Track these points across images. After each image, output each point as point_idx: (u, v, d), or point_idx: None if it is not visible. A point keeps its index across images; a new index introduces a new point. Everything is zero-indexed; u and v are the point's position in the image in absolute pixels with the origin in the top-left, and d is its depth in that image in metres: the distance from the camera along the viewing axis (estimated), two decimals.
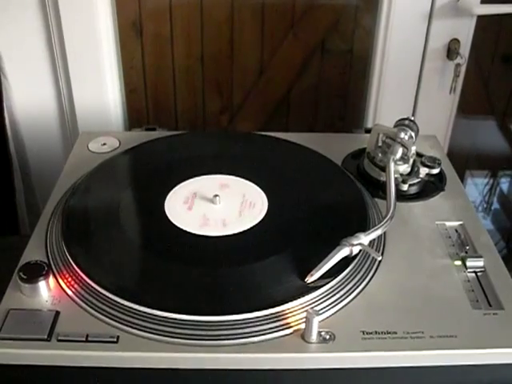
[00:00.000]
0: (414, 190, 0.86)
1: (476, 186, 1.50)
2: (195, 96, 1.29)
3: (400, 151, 0.85)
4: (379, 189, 0.86)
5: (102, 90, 1.19)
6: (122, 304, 0.66)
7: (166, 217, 0.79)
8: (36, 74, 1.18)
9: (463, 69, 1.17)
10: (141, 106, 1.30)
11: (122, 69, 1.23)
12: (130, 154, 0.93)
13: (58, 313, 0.66)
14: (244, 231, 0.77)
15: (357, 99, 1.29)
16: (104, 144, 0.97)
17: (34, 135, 1.25)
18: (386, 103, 1.22)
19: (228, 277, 0.70)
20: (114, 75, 1.20)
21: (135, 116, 1.30)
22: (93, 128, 1.17)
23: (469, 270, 0.74)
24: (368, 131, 0.97)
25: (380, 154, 0.88)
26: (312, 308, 0.65)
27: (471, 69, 1.20)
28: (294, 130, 1.33)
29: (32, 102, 1.21)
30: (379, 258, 0.72)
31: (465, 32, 1.13)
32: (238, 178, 0.87)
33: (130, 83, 1.26)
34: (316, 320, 0.62)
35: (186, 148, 0.94)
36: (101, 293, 0.67)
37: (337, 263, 0.69)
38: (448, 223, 0.81)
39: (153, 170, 0.89)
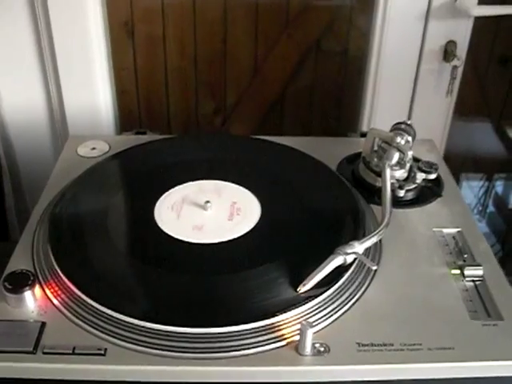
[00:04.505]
0: (410, 195, 0.85)
1: (471, 189, 1.49)
2: (188, 97, 1.28)
3: (396, 156, 0.83)
4: (375, 195, 0.84)
5: (92, 92, 1.17)
6: (110, 315, 0.64)
7: (156, 224, 0.77)
8: (25, 76, 1.16)
9: (460, 71, 1.15)
10: (133, 107, 1.28)
11: (114, 70, 1.20)
12: (118, 158, 0.91)
13: (43, 324, 0.64)
14: (235, 239, 0.75)
15: (352, 100, 1.26)
16: (93, 148, 0.95)
17: (23, 138, 1.23)
18: (382, 105, 1.20)
19: (218, 287, 0.68)
20: (105, 77, 1.18)
21: (127, 118, 1.28)
22: (83, 131, 1.15)
23: (467, 279, 0.72)
24: (364, 135, 0.95)
25: (376, 159, 0.86)
26: (306, 319, 0.64)
27: (467, 70, 1.19)
28: (288, 130, 1.32)
29: (21, 104, 1.19)
30: (374, 268, 0.70)
31: (462, 33, 1.11)
32: (229, 184, 0.85)
33: (121, 85, 1.24)
34: (310, 332, 0.60)
35: (176, 152, 0.92)
36: (88, 303, 0.65)
37: (331, 272, 0.67)
38: (445, 230, 0.80)
39: (142, 176, 0.86)
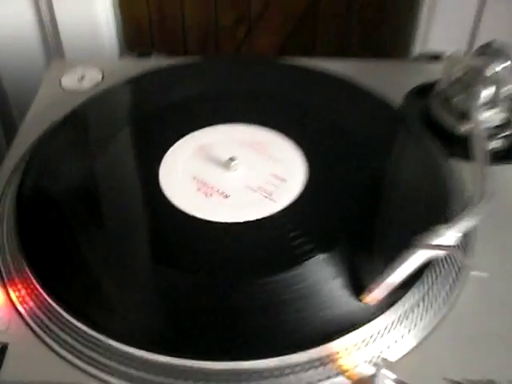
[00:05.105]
0: (505, 145, 0.65)
1: None
2: (206, 3, 1.14)
3: (488, 92, 0.64)
4: (455, 144, 0.65)
5: None
6: (97, 338, 0.46)
7: (163, 194, 0.57)
8: None
9: None
10: (140, 14, 1.14)
11: None
12: (112, 94, 0.72)
13: (4, 347, 0.48)
14: (270, 216, 0.54)
15: (402, 8, 1.10)
16: (82, 77, 0.78)
17: (10, 59, 1.09)
18: (441, 14, 1.01)
19: (245, 297, 0.48)
20: None
21: (134, 30, 1.15)
22: (80, 48, 1.04)
23: None
24: (435, 57, 0.78)
25: (457, 95, 0.67)
26: (374, 345, 0.45)
27: None
28: (321, 45, 1.19)
29: (4, 18, 1.05)
30: (485, 275, 0.49)
31: None
32: (261, 129, 0.65)
33: None
34: (385, 374, 0.42)
35: (190, 85, 0.72)
36: (66, 319, 0.48)
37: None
38: None
39: (143, 119, 0.67)
